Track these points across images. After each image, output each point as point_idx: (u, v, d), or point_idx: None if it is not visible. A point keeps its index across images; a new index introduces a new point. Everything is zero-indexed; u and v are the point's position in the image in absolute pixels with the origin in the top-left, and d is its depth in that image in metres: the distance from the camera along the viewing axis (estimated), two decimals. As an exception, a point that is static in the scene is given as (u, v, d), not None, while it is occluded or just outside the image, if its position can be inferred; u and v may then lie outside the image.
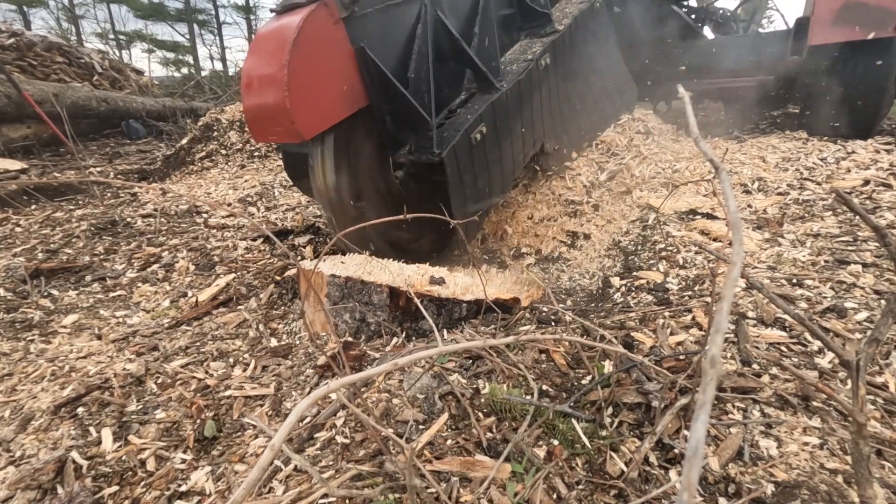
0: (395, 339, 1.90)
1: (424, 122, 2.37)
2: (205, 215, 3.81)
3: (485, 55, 2.69)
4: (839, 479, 1.07)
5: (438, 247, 2.94)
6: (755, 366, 1.42)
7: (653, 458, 1.17)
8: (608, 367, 1.49)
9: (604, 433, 1.25)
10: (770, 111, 5.42)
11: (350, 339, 1.94)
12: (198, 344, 2.04)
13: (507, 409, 1.34)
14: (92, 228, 3.37)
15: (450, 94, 2.79)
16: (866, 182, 2.80)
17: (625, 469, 1.15)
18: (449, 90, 2.77)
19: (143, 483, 1.31)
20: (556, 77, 3.23)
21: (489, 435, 1.28)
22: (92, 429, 1.51)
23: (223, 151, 5.60)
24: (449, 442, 1.26)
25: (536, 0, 3.26)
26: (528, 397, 1.37)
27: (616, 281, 2.34)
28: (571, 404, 1.35)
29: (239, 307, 2.35)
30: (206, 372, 1.83)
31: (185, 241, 3.19)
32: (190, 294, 2.52)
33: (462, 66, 2.72)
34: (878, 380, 1.34)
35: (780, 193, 2.84)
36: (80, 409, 1.60)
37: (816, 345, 1.49)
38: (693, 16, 5.40)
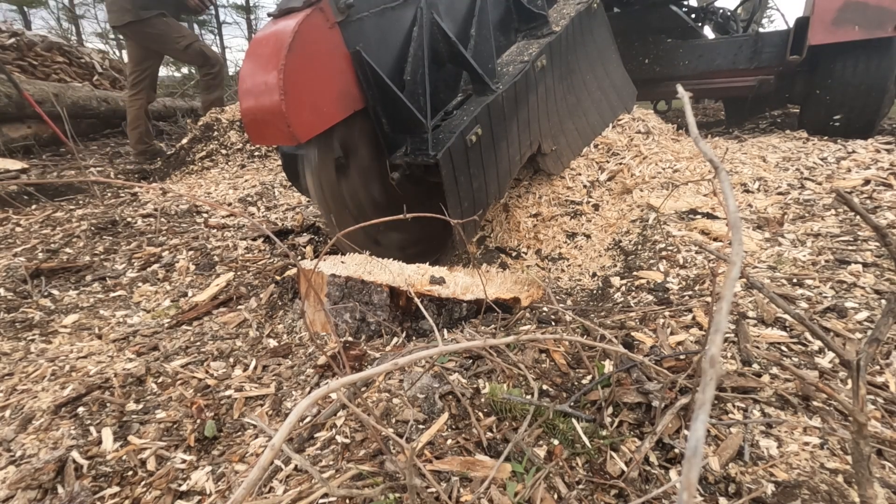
0: (395, 339, 1.90)
1: (420, 125, 2.37)
2: (205, 215, 3.81)
3: (481, 57, 2.69)
4: (839, 478, 1.07)
5: (433, 250, 2.93)
6: (755, 365, 1.42)
7: (653, 458, 1.17)
8: (608, 366, 1.49)
9: (604, 433, 1.25)
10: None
11: (350, 338, 1.94)
12: (198, 344, 2.04)
13: (508, 409, 1.34)
14: (92, 228, 3.36)
15: (446, 97, 2.79)
16: (867, 182, 2.79)
17: (625, 469, 1.15)
18: (445, 92, 2.78)
19: (143, 483, 1.31)
20: (553, 78, 3.23)
21: (489, 435, 1.28)
22: (92, 429, 1.51)
23: (223, 151, 5.60)
24: (449, 442, 1.26)
25: (533, 2, 3.26)
26: (529, 397, 1.37)
27: (616, 280, 2.34)
28: (571, 404, 1.35)
29: (239, 307, 2.36)
30: (207, 372, 1.83)
31: (186, 240, 3.18)
32: (190, 294, 2.52)
33: (458, 68, 2.72)
34: (879, 379, 1.34)
35: (780, 193, 2.83)
36: (81, 409, 1.60)
37: (817, 344, 1.49)
38: (693, 15, 5.40)
